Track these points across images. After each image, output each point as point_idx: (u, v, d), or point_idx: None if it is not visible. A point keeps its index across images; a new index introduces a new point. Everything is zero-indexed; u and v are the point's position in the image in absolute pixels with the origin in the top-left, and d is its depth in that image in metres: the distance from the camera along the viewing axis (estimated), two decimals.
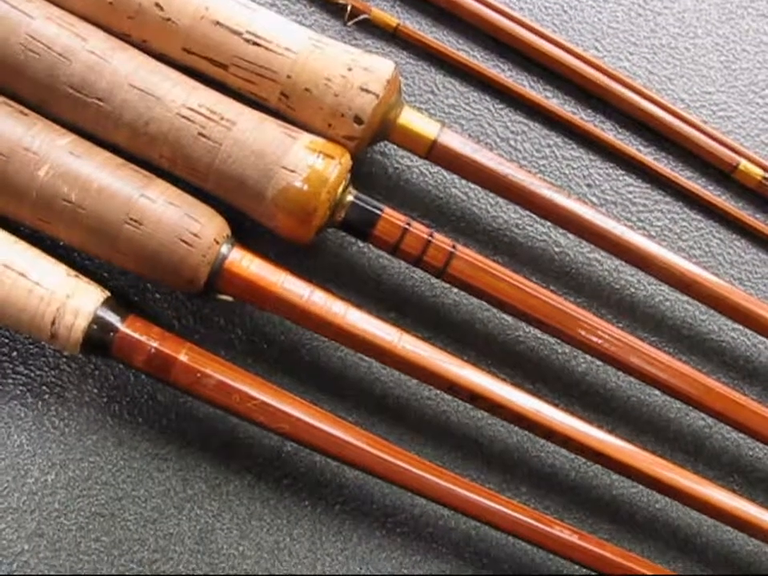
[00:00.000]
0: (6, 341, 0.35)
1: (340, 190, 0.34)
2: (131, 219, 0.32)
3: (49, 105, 0.34)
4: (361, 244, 0.37)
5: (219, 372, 0.33)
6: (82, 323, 0.32)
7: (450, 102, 0.38)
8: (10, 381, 0.35)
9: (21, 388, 0.35)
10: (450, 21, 0.39)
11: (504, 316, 0.37)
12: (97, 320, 0.32)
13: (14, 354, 0.35)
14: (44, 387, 0.35)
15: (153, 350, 0.33)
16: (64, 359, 0.35)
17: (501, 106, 0.38)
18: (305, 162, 0.33)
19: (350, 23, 0.38)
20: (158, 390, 0.35)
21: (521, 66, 0.39)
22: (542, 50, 0.39)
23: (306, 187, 0.33)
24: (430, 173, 0.38)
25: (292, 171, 0.33)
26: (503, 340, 0.37)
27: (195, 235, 0.33)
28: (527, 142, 0.39)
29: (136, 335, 0.33)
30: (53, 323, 0.32)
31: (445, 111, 0.38)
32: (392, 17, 0.38)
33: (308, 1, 0.38)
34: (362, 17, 0.38)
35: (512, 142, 0.38)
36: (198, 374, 0.33)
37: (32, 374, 0.35)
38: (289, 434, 0.33)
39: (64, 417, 0.35)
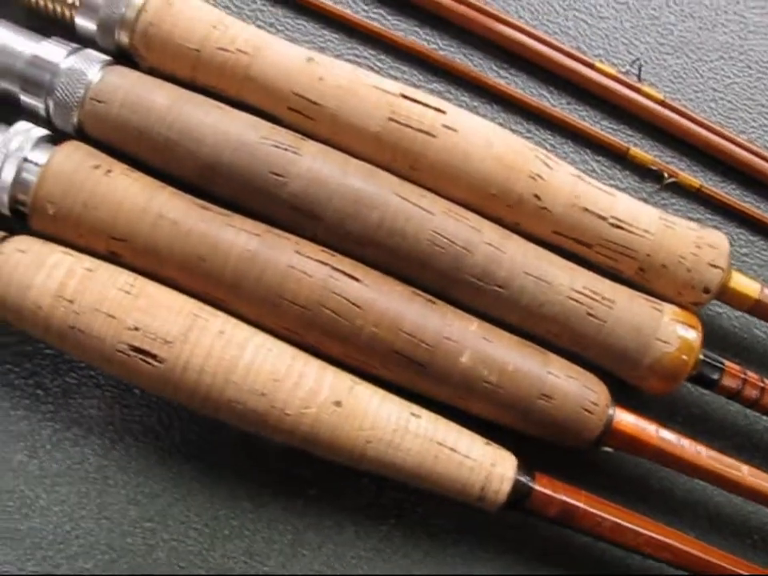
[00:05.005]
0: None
1: (700, 353, 0.40)
2: (543, 395, 0.37)
3: (449, 291, 0.38)
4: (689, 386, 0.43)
5: (612, 515, 0.39)
6: (506, 487, 0.37)
7: (744, 251, 0.44)
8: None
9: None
10: (734, 175, 0.45)
11: None
12: (516, 483, 0.37)
13: None
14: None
15: (561, 502, 0.38)
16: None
17: None
18: (675, 334, 0.39)
19: (662, 184, 0.44)
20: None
21: None
22: None
23: (678, 355, 0.39)
24: (735, 317, 0.44)
25: (665, 342, 0.39)
26: None
27: (594, 403, 0.38)
28: None
29: (546, 491, 0.38)
30: (482, 489, 0.37)
31: (741, 260, 0.44)
32: (694, 179, 0.44)
33: (622, 166, 0.43)
34: (670, 180, 0.44)
35: None
36: (599, 519, 0.39)
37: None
38: (668, 560, 0.40)
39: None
